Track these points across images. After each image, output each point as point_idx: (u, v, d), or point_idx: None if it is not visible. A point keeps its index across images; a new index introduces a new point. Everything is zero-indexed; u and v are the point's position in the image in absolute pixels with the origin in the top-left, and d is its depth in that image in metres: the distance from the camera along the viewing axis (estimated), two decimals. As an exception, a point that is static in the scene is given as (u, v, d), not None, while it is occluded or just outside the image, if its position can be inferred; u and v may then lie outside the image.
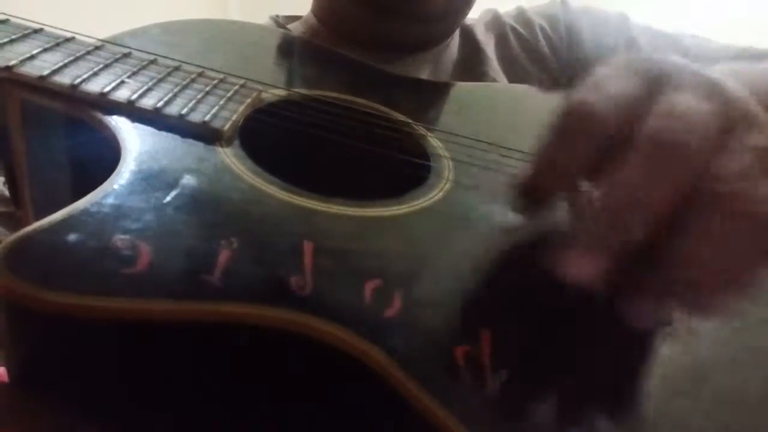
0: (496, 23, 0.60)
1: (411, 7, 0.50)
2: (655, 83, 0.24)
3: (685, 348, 0.27)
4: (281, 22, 0.59)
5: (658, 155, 0.22)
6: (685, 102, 0.22)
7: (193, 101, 0.33)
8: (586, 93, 0.24)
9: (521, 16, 0.60)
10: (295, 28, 0.59)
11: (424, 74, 0.55)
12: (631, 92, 0.24)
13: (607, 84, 0.24)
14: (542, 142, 0.25)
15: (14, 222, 0.40)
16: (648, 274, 0.22)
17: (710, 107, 0.22)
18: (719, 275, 0.21)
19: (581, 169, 0.24)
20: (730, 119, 0.23)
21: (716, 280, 0.22)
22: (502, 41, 0.58)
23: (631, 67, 0.25)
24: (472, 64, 0.56)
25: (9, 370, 0.24)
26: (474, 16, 0.59)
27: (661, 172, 0.21)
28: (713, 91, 0.23)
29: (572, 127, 0.24)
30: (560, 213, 0.33)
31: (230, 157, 0.30)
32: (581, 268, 0.22)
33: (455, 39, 0.58)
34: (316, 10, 0.58)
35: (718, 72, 0.25)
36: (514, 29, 0.59)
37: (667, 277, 0.22)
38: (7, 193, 0.38)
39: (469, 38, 0.58)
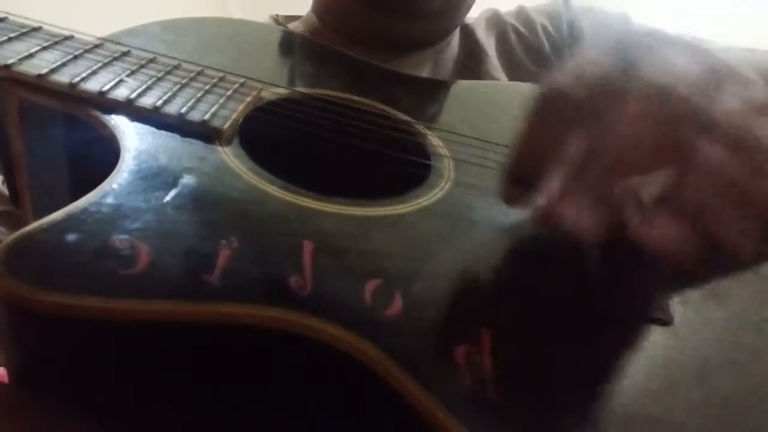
0: (496, 22, 0.59)
1: (410, 3, 0.50)
2: (628, 60, 0.25)
3: (686, 349, 0.27)
4: (281, 21, 0.59)
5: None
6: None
7: (193, 100, 0.32)
8: (559, 77, 0.25)
9: (522, 14, 0.60)
10: (295, 27, 0.58)
11: (425, 73, 0.54)
12: (603, 71, 0.25)
13: (581, 67, 0.25)
14: (522, 128, 0.26)
15: (14, 220, 0.40)
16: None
17: (697, 68, 0.24)
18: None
19: (559, 148, 0.25)
20: (717, 74, 0.24)
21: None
22: (502, 40, 0.58)
23: (605, 47, 0.26)
24: (472, 63, 0.56)
25: (9, 371, 0.24)
26: (475, 15, 0.59)
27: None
28: (696, 51, 0.25)
29: (546, 109, 0.25)
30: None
31: (230, 156, 0.30)
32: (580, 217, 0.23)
33: (456, 38, 0.58)
34: (317, 9, 0.58)
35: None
36: (514, 28, 0.58)
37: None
38: (6, 191, 0.38)
39: (469, 37, 0.58)
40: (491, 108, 0.45)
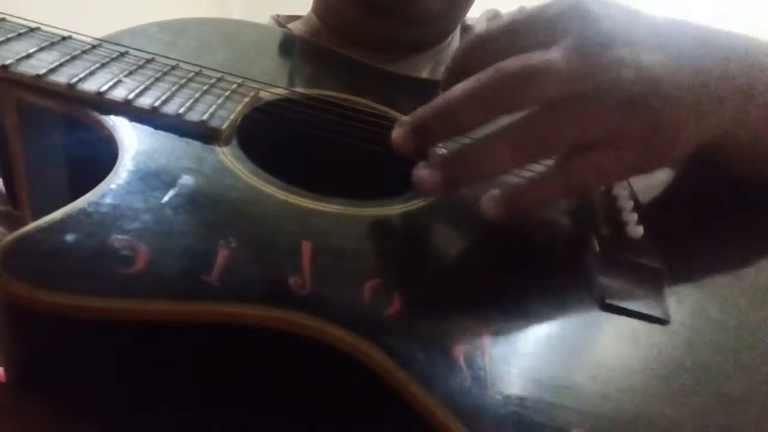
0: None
1: (408, 9, 0.50)
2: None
3: (684, 348, 0.27)
4: (282, 21, 0.59)
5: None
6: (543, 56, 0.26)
7: (191, 100, 0.32)
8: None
9: None
10: (295, 27, 0.58)
11: (425, 73, 0.54)
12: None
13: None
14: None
15: (12, 221, 0.40)
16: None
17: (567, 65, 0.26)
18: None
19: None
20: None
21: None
22: None
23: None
24: None
25: (7, 371, 0.24)
26: (475, 15, 0.59)
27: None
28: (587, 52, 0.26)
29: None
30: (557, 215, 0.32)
31: (228, 156, 0.30)
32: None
33: (456, 38, 0.58)
34: (317, 10, 0.58)
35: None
36: None
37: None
38: (5, 192, 0.38)
39: None
40: None
